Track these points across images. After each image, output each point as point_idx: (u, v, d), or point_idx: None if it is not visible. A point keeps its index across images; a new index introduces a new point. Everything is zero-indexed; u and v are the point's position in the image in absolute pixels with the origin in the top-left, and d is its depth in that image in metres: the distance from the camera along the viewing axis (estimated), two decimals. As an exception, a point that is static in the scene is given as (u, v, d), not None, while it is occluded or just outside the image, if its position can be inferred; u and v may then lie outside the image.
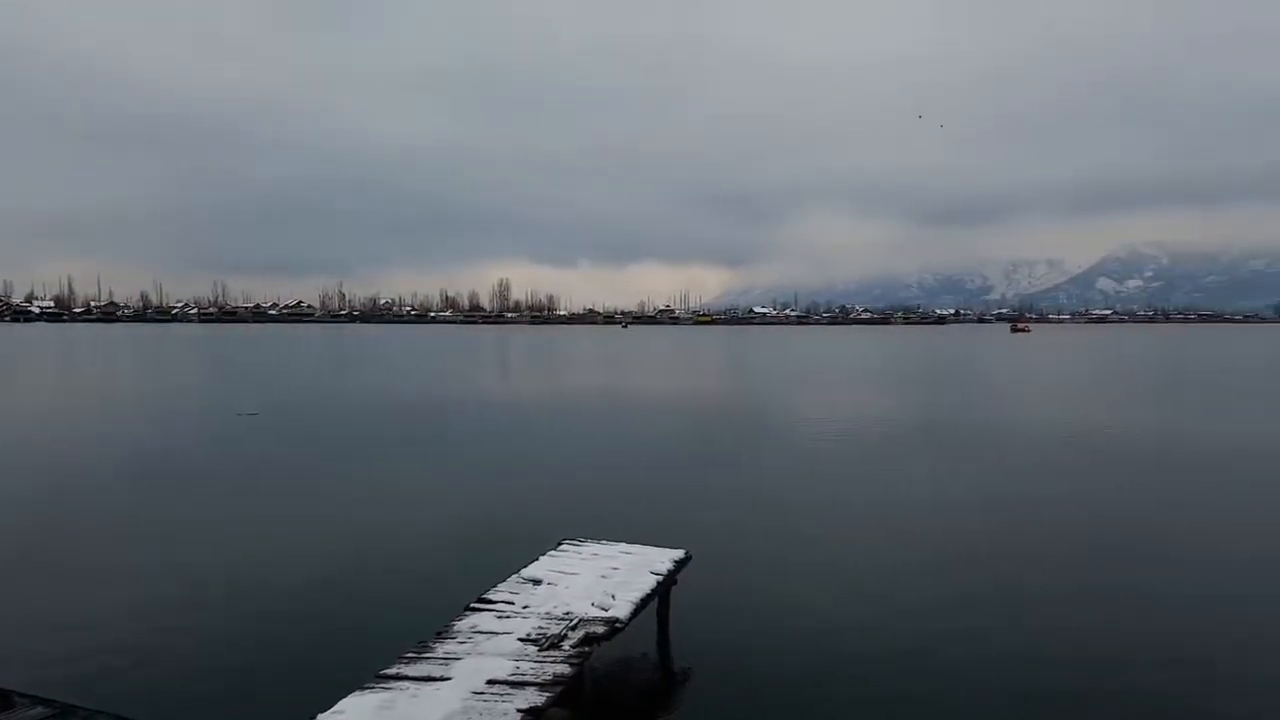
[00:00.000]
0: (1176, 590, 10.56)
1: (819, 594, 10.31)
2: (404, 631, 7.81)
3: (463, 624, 7.26)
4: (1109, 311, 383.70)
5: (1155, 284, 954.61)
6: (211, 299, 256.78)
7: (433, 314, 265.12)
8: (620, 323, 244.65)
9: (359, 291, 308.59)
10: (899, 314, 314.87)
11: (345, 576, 10.91)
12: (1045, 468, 19.12)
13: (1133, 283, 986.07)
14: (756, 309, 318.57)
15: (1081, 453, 21.16)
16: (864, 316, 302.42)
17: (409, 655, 6.67)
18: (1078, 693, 7.70)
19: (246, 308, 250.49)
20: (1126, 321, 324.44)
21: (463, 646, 6.81)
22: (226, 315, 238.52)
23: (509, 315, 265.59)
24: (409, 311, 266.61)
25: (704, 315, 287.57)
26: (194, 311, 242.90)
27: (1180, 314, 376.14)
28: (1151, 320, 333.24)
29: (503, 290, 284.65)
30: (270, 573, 11.04)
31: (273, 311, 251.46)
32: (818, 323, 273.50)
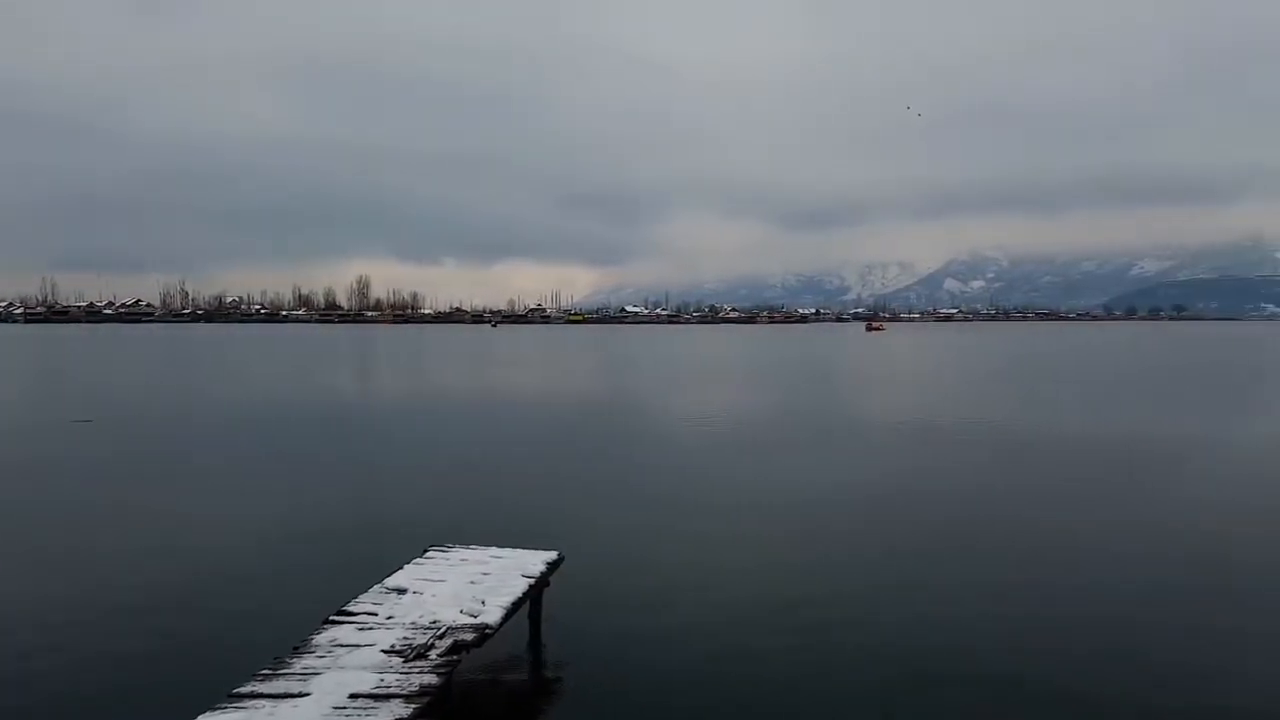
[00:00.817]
0: (1047, 579, 11.05)
1: (694, 591, 10.37)
2: (258, 648, 7.40)
3: (322, 638, 6.93)
4: (955, 311, 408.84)
5: (997, 284, 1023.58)
6: (40, 297, 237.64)
7: (285, 313, 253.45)
8: (489, 321, 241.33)
9: (204, 289, 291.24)
10: (764, 313, 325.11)
11: (192, 592, 10.23)
12: (913, 459, 20.07)
13: (976, 283, 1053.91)
14: (628, 308, 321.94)
15: (946, 444, 22.30)
16: (732, 315, 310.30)
17: (264, 672, 6.31)
18: (952, 685, 7.94)
19: (79, 307, 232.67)
20: (971, 320, 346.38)
21: (322, 661, 6.50)
22: (57, 315, 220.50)
23: (369, 314, 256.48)
24: (259, 310, 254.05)
25: (576, 314, 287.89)
26: (19, 311, 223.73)
27: (1019, 312, 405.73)
28: (994, 319, 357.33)
29: (362, 288, 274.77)
30: (108, 590, 10.22)
31: (109, 311, 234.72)
32: (688, 321, 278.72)
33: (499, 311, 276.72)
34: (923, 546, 12.36)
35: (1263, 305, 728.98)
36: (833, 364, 66.04)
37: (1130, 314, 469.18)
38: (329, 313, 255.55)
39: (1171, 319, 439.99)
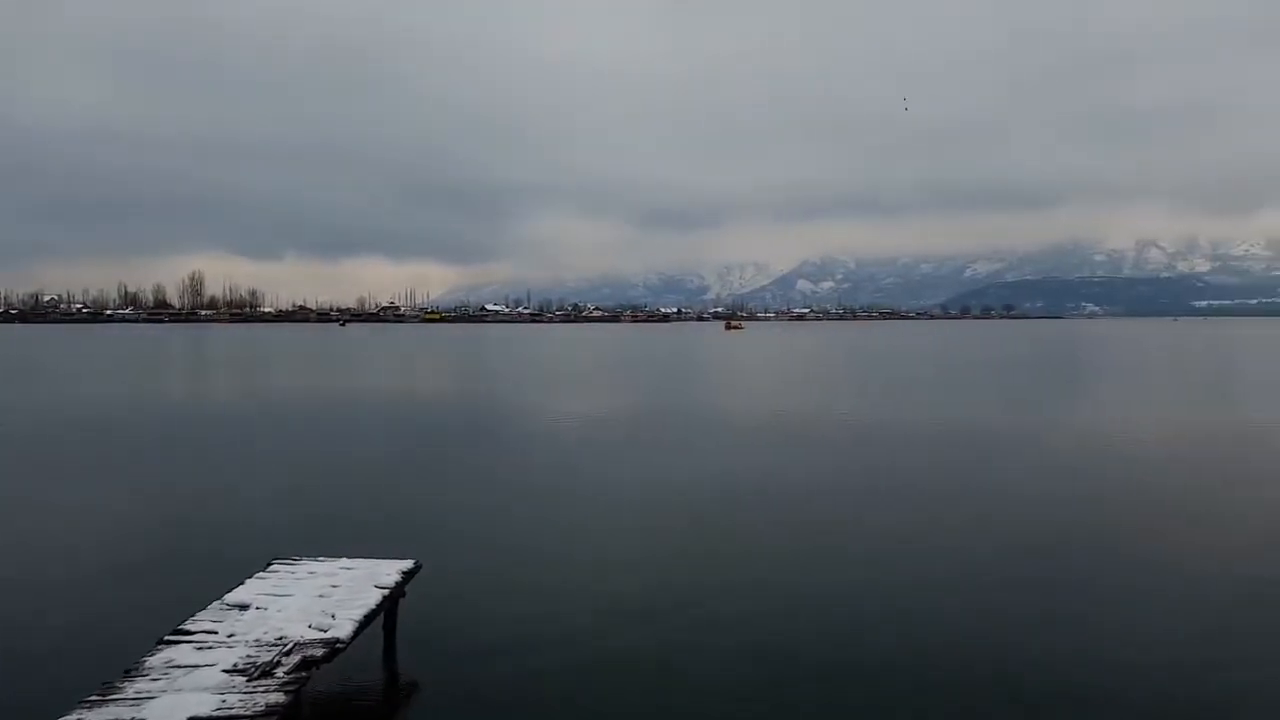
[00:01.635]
0: (901, 569, 11.72)
1: (556, 595, 10.38)
2: (85, 674, 6.96)
3: (156, 659, 6.59)
4: (807, 310, 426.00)
5: (845, 285, 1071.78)
6: None
7: (110, 312, 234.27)
8: (337, 320, 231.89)
9: (16, 287, 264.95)
10: (628, 312, 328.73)
11: (7, 612, 9.48)
12: (782, 455, 20.70)
13: (826, 284, 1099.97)
14: (489, 306, 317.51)
15: (812, 441, 23.20)
16: (596, 314, 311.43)
17: (91, 699, 5.95)
18: (822, 678, 8.26)
19: None
20: (822, 319, 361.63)
21: (157, 684, 6.19)
22: None
23: (203, 313, 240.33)
24: (80, 309, 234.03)
25: (432, 312, 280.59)
26: None
27: (865, 312, 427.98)
28: (843, 318, 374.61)
29: (195, 285, 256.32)
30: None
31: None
32: (551, 320, 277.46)
33: (348, 310, 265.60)
34: (787, 542, 12.84)
35: (1082, 304, 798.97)
36: (698, 362, 67.48)
37: (965, 313, 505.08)
38: (159, 312, 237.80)
39: (1002, 317, 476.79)
